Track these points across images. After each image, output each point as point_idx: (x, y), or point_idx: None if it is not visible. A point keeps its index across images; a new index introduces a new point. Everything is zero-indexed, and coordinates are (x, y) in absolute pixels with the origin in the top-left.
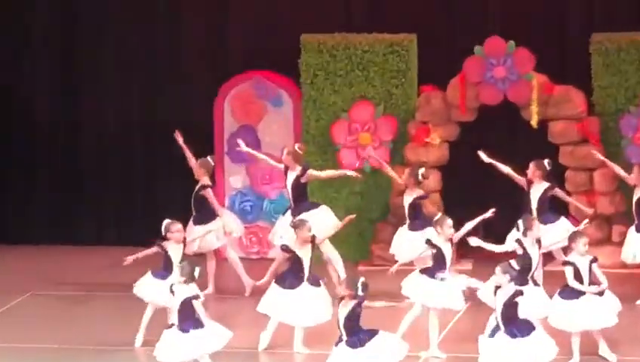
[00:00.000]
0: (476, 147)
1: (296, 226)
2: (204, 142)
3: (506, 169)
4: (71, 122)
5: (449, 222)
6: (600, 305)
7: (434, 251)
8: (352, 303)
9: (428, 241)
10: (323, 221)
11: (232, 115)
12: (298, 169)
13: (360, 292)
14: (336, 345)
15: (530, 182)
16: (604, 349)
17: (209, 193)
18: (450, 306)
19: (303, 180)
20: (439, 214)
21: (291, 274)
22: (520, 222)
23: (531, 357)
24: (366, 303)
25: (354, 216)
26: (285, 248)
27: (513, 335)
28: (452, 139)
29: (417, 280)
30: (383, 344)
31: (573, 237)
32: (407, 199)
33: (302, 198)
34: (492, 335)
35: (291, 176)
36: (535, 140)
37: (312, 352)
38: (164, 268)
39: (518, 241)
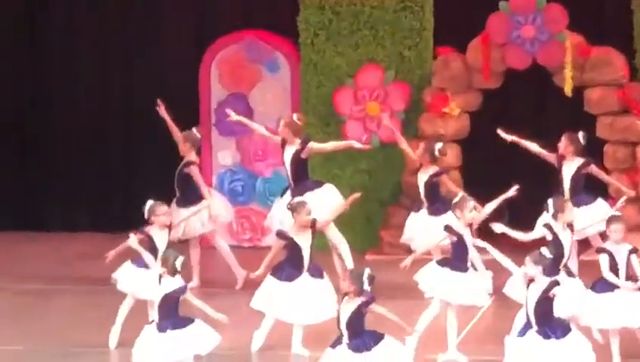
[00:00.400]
0: (500, 118)
1: (293, 209)
2: (188, 113)
3: (532, 146)
4: (38, 96)
5: (471, 204)
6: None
7: (454, 239)
8: (358, 300)
9: (447, 228)
10: (328, 202)
11: (220, 82)
12: (297, 142)
13: (366, 287)
14: (334, 346)
15: (562, 159)
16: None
17: (195, 171)
18: (474, 302)
19: (303, 155)
20: (459, 195)
21: (289, 265)
22: (549, 203)
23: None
24: None
25: (359, 194)
26: (281, 235)
27: (546, 336)
28: (473, 109)
29: (436, 272)
30: (388, 351)
31: (609, 222)
32: (422, 178)
33: (302, 176)
34: (521, 334)
35: (290, 151)
36: (569, 110)
37: (312, 354)
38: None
39: (547, 226)
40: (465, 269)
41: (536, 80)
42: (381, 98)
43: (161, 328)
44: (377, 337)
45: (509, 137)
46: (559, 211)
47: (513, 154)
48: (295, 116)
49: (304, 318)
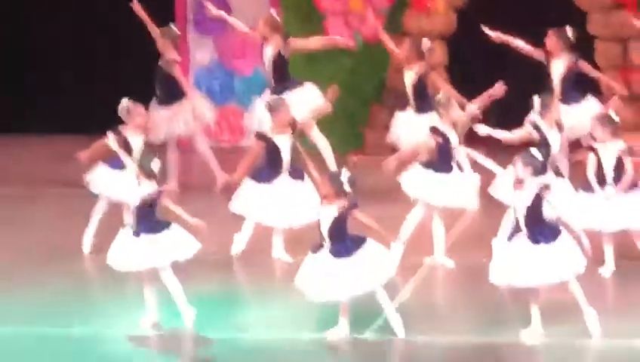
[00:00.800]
0: (488, 14)
1: (271, 108)
2: (163, 9)
3: (518, 43)
4: None
5: (454, 102)
6: (631, 202)
7: (439, 140)
8: (339, 204)
9: (432, 129)
10: (309, 102)
11: None
12: (278, 39)
13: (347, 189)
14: (314, 251)
15: (549, 55)
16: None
17: (176, 68)
18: (459, 205)
19: (284, 53)
20: (442, 93)
21: (268, 167)
22: (536, 100)
23: (556, 268)
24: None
25: (336, 87)
26: (260, 135)
27: (536, 241)
28: (459, 5)
29: (419, 174)
30: (372, 255)
31: (598, 120)
32: (409, 75)
33: (283, 75)
34: (510, 238)
35: (270, 49)
36: (559, 5)
37: (294, 260)
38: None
39: (534, 125)
40: (449, 170)
41: None
42: None
43: (137, 232)
44: (360, 241)
45: (495, 34)
46: (546, 109)
47: (501, 52)
48: (273, 11)
49: (284, 221)
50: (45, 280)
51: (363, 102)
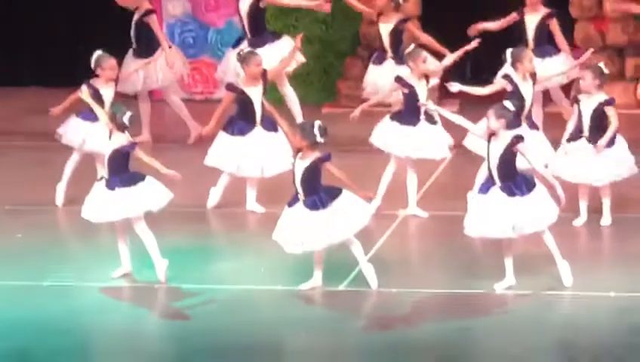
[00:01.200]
0: None
1: (243, 59)
2: None
3: (488, 25)
4: None
5: (424, 54)
6: (610, 155)
7: (406, 91)
8: (312, 156)
9: (397, 79)
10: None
11: None
12: None
13: (319, 140)
14: (290, 205)
15: (525, 9)
16: (605, 209)
17: (154, 19)
18: (428, 156)
19: (261, 5)
20: (412, 46)
21: (240, 118)
22: (508, 52)
23: (530, 220)
24: None
25: (301, 35)
26: (231, 87)
27: (511, 193)
28: None
29: (387, 127)
30: (346, 206)
31: (591, 71)
32: (386, 27)
33: (259, 28)
34: (484, 191)
35: (246, 1)
36: None
37: (268, 211)
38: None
39: (507, 77)
40: (416, 123)
41: None
42: None
43: (111, 185)
44: (334, 193)
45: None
46: (518, 61)
47: (475, 3)
48: None
49: (257, 171)
50: (16, 232)
51: (337, 54)
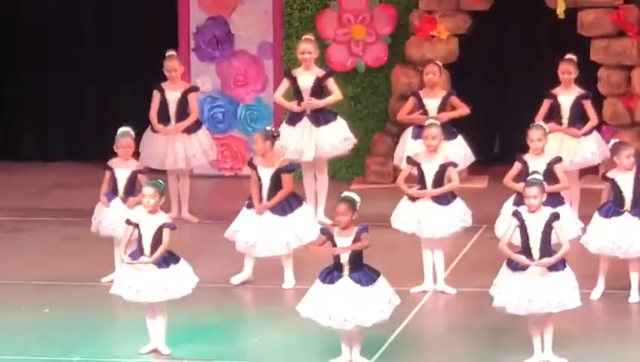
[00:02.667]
0: (490, 41)
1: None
2: (166, 37)
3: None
4: (7, 22)
5: (430, 131)
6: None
7: (414, 170)
8: (355, 229)
9: (408, 159)
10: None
11: (200, 5)
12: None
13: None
14: (331, 281)
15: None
16: (634, 287)
17: (196, 98)
18: (442, 234)
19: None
20: (428, 121)
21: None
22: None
23: (557, 298)
24: None
25: None
26: (250, 164)
27: (552, 268)
28: (462, 32)
29: (405, 207)
30: (384, 289)
31: (616, 149)
32: (434, 103)
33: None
34: (513, 267)
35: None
36: (561, 33)
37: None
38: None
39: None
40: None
41: (527, 1)
42: (367, 21)
43: (160, 264)
44: (377, 274)
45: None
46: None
47: (505, 79)
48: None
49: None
50: (44, 307)
51: (365, 130)
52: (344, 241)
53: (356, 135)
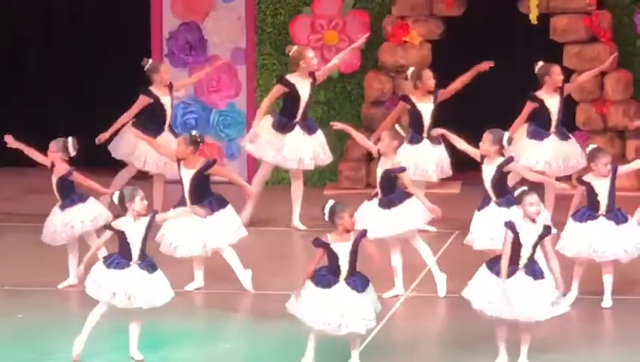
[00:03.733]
0: (463, 47)
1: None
2: (139, 43)
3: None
4: None
5: (393, 143)
6: (617, 232)
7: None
8: (352, 236)
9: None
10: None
11: (172, 10)
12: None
13: (326, 219)
14: (329, 286)
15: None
16: (607, 292)
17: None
18: (404, 229)
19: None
20: (396, 126)
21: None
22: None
23: (543, 300)
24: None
25: None
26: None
27: (536, 276)
28: (435, 38)
29: (365, 210)
30: (373, 295)
31: (592, 155)
32: (428, 108)
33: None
34: (498, 272)
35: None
36: (534, 39)
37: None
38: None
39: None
40: (389, 206)
41: (500, 7)
42: (339, 27)
43: (150, 268)
44: (366, 278)
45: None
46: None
47: (476, 85)
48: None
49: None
50: (17, 312)
51: (338, 136)
52: (345, 246)
53: (329, 141)
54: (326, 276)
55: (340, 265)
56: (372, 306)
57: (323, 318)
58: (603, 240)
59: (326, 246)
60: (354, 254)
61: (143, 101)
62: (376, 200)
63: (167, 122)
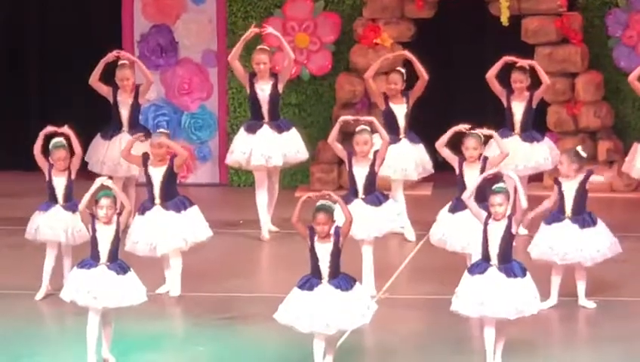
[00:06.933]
0: (435, 49)
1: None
2: (110, 46)
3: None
4: None
5: (361, 137)
6: (581, 236)
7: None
8: (333, 239)
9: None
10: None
11: (143, 13)
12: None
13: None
14: (310, 288)
15: (511, 94)
16: (581, 293)
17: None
18: (375, 234)
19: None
20: (360, 127)
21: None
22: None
23: (519, 302)
24: None
25: None
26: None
27: (509, 274)
28: (406, 40)
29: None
30: (362, 294)
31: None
32: (402, 108)
33: (277, 113)
34: (481, 271)
35: (267, 86)
36: (506, 40)
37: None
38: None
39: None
40: (371, 203)
41: (471, 9)
42: (310, 29)
43: (120, 269)
44: (352, 278)
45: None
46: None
47: (448, 87)
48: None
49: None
50: None
51: (310, 138)
52: (326, 247)
53: None
54: (309, 279)
55: (321, 267)
56: (362, 303)
57: (310, 320)
58: (565, 244)
59: (310, 243)
60: (335, 255)
61: (106, 86)
62: (359, 200)
63: (126, 123)
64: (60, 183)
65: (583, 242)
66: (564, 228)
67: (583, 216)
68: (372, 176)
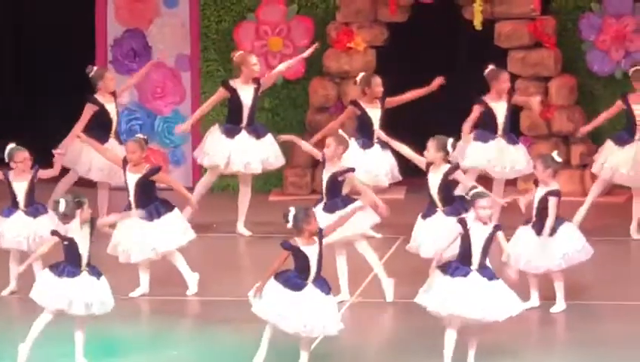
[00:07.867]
0: (408, 53)
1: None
2: (83, 50)
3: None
4: None
5: (339, 149)
6: (562, 241)
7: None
8: (317, 239)
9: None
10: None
11: (116, 17)
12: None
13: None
14: (299, 288)
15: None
16: (559, 296)
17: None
18: (350, 233)
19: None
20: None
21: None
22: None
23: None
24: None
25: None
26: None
27: (491, 277)
28: (379, 44)
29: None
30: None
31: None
32: (376, 113)
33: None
34: (463, 274)
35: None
36: (479, 44)
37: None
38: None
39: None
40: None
41: (444, 13)
42: (284, 33)
43: (98, 275)
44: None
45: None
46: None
47: (421, 87)
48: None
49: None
50: None
51: (283, 142)
52: (314, 249)
53: None
54: (295, 278)
55: (310, 267)
56: (336, 308)
57: (296, 321)
58: (527, 252)
59: (296, 249)
60: (321, 257)
61: (90, 109)
62: (321, 205)
63: (113, 129)
64: (20, 188)
65: (543, 250)
66: (527, 235)
67: (544, 224)
68: (336, 182)
